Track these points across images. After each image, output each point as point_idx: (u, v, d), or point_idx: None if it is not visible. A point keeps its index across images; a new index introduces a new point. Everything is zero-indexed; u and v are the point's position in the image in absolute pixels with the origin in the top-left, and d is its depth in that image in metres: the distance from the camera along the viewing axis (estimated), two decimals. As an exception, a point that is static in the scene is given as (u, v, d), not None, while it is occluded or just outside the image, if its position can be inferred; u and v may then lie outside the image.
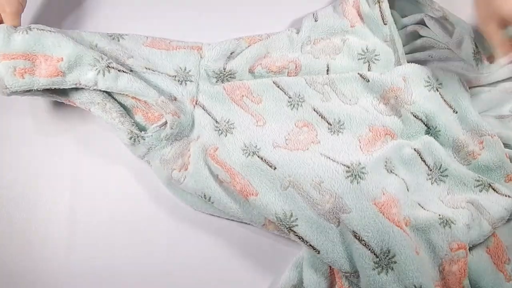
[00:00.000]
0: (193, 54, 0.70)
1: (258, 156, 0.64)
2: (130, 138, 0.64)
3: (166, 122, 0.65)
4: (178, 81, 0.68)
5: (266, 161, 0.63)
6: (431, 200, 0.64)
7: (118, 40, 0.70)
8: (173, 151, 0.65)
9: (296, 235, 0.59)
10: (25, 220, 0.67)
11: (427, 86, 0.69)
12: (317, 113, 0.68)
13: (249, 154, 0.64)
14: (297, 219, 0.60)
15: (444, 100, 0.68)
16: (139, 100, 0.66)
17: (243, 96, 0.68)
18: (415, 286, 0.56)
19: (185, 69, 0.69)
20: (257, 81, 0.69)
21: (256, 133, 0.66)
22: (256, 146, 0.65)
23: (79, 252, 0.66)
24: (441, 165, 0.65)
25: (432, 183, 0.65)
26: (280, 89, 0.69)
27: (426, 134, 0.67)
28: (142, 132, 0.65)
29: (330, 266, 0.61)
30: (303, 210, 0.60)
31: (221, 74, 0.70)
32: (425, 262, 0.59)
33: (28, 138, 0.71)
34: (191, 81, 0.69)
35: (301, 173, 0.62)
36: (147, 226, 0.67)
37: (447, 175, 0.65)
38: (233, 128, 0.67)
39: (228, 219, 0.66)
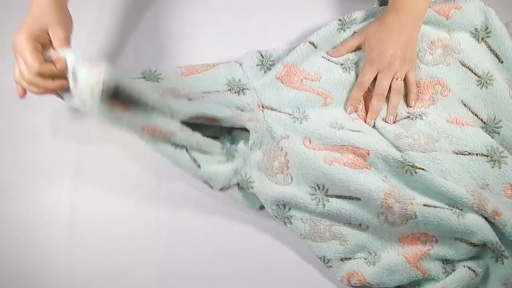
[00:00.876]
0: (233, 65, 0.68)
1: (346, 129, 0.66)
2: (223, 149, 0.64)
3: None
4: (235, 92, 0.66)
5: (354, 130, 0.65)
6: None
7: (158, 81, 0.65)
8: (267, 157, 0.65)
9: (421, 168, 0.61)
10: (25, 220, 0.67)
11: (474, 36, 0.69)
12: None
13: (340, 128, 0.66)
14: (413, 158, 0.63)
15: (491, 50, 0.69)
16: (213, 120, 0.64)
17: (302, 79, 0.68)
18: None
19: (233, 80, 0.67)
20: (308, 62, 0.69)
21: (328, 115, 0.67)
22: (337, 122, 0.67)
23: (79, 252, 0.66)
24: (495, 116, 0.68)
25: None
26: (331, 61, 0.69)
27: (478, 83, 0.68)
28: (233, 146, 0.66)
29: None
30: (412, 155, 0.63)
31: (263, 63, 0.69)
32: None
33: (29, 138, 0.70)
34: (247, 88, 0.67)
35: None
36: (146, 226, 0.67)
37: (501, 127, 0.67)
38: (307, 115, 0.67)
39: (228, 220, 0.68)
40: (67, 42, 0.61)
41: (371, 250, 0.64)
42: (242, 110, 0.65)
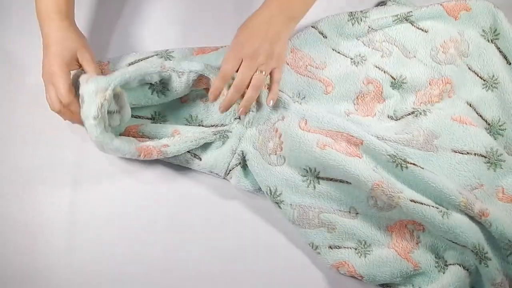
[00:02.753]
0: None
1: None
2: (215, 134, 0.66)
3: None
4: None
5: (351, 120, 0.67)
6: None
7: (170, 59, 0.69)
8: (262, 136, 0.67)
9: (412, 163, 0.62)
10: (25, 220, 0.66)
11: (483, 36, 0.70)
12: (380, 69, 0.70)
13: (338, 115, 0.67)
14: (406, 153, 0.64)
15: (500, 51, 0.70)
16: None
17: (307, 65, 0.70)
18: None
19: None
20: (316, 50, 0.71)
21: (325, 103, 0.69)
22: (335, 112, 0.68)
23: (79, 252, 0.65)
24: (499, 118, 0.69)
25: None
26: (340, 54, 0.71)
27: (483, 87, 0.69)
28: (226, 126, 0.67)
29: None
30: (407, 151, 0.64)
31: None
32: None
33: (29, 139, 0.70)
34: None
35: None
36: (146, 226, 0.66)
37: (505, 129, 0.68)
38: (307, 102, 0.69)
39: (229, 220, 0.67)
40: (94, 62, 0.63)
41: (360, 239, 0.63)
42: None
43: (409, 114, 0.68)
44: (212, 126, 0.67)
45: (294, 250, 0.66)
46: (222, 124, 0.67)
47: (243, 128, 0.67)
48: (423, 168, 0.62)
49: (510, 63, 0.70)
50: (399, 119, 0.68)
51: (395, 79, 0.69)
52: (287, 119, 0.66)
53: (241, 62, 0.61)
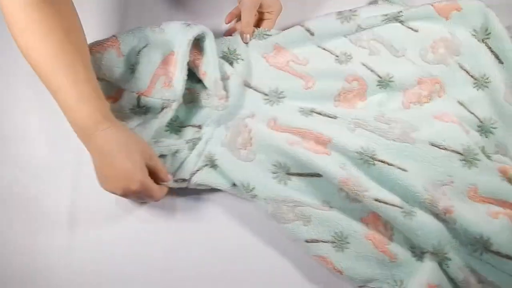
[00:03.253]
0: (231, 37, 0.71)
1: (316, 113, 0.68)
2: (187, 142, 0.67)
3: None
4: (229, 62, 0.69)
5: (326, 114, 0.68)
6: None
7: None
8: (230, 132, 0.67)
9: (379, 160, 0.63)
10: (25, 220, 0.67)
11: (474, 36, 0.70)
12: (367, 67, 0.70)
13: (308, 114, 0.68)
14: (375, 150, 0.64)
15: (491, 51, 0.70)
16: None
17: (289, 61, 0.70)
18: None
19: (228, 50, 0.70)
20: (301, 47, 0.71)
21: (306, 97, 0.69)
22: (308, 107, 0.68)
23: (79, 252, 0.65)
24: (491, 117, 0.68)
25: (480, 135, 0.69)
26: (326, 50, 0.71)
27: (474, 85, 0.70)
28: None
29: None
30: (380, 142, 0.65)
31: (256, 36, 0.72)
32: None
33: (29, 138, 0.70)
34: (242, 59, 0.70)
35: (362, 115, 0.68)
36: (146, 226, 0.67)
37: (496, 127, 0.68)
38: (284, 97, 0.69)
39: (229, 220, 0.67)
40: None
41: (336, 230, 0.63)
42: (228, 78, 0.67)
43: (394, 110, 0.69)
44: (191, 126, 0.68)
45: (294, 250, 0.66)
46: (199, 126, 0.68)
47: (212, 129, 0.67)
48: (392, 165, 0.62)
49: (502, 63, 0.69)
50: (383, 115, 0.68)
51: (381, 78, 0.69)
52: (257, 117, 0.67)
53: None
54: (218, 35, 0.70)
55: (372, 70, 0.69)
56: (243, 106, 0.68)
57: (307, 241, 0.63)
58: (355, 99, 0.70)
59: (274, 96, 0.69)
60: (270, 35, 0.71)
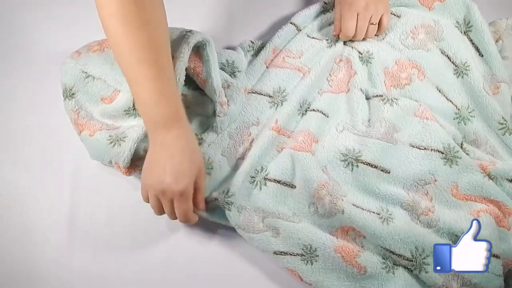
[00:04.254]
0: (229, 51, 0.72)
1: (311, 110, 0.69)
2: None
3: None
4: (229, 73, 0.69)
5: (319, 110, 0.69)
6: None
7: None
8: (233, 141, 0.68)
9: (363, 162, 0.65)
10: (25, 220, 0.67)
11: (456, 27, 0.71)
12: (348, 45, 0.72)
13: (303, 114, 0.69)
14: (360, 151, 0.65)
15: (472, 43, 0.71)
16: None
17: (284, 58, 0.71)
18: None
19: (227, 62, 0.70)
20: (293, 42, 0.72)
21: (303, 87, 0.69)
22: (307, 100, 0.70)
23: (79, 252, 0.65)
24: (468, 105, 0.69)
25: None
26: (315, 39, 0.73)
27: (454, 72, 0.70)
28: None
29: None
30: (366, 141, 0.66)
31: (254, 47, 0.74)
32: None
33: (29, 138, 0.70)
34: (239, 71, 0.70)
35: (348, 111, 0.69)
36: (146, 227, 0.67)
37: (474, 116, 0.69)
38: (287, 95, 0.70)
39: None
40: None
41: (306, 243, 0.62)
42: (228, 87, 0.68)
43: (378, 96, 0.69)
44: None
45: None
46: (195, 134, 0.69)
47: (214, 134, 0.68)
48: (375, 167, 0.64)
49: (481, 55, 0.70)
50: (369, 98, 0.70)
51: (361, 54, 0.71)
52: (261, 124, 0.68)
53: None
54: (217, 43, 0.69)
55: (353, 48, 0.71)
56: (247, 112, 0.69)
57: (275, 253, 0.63)
58: (346, 77, 0.71)
59: (278, 97, 0.69)
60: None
